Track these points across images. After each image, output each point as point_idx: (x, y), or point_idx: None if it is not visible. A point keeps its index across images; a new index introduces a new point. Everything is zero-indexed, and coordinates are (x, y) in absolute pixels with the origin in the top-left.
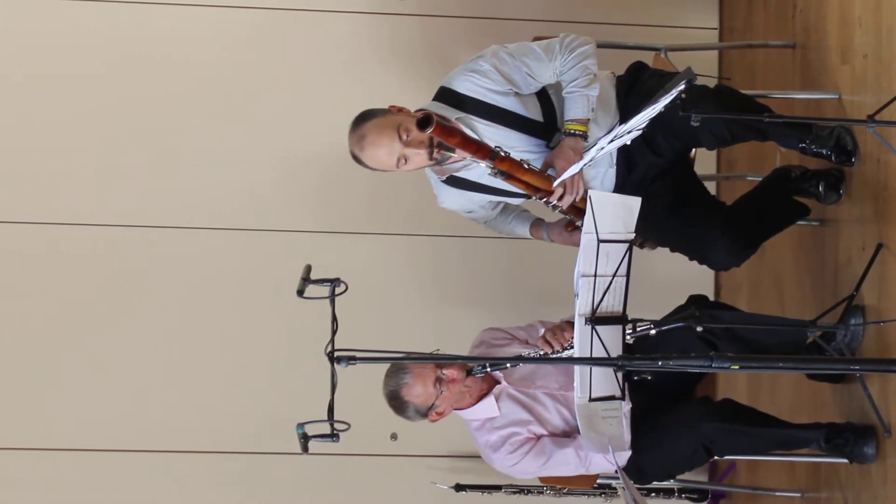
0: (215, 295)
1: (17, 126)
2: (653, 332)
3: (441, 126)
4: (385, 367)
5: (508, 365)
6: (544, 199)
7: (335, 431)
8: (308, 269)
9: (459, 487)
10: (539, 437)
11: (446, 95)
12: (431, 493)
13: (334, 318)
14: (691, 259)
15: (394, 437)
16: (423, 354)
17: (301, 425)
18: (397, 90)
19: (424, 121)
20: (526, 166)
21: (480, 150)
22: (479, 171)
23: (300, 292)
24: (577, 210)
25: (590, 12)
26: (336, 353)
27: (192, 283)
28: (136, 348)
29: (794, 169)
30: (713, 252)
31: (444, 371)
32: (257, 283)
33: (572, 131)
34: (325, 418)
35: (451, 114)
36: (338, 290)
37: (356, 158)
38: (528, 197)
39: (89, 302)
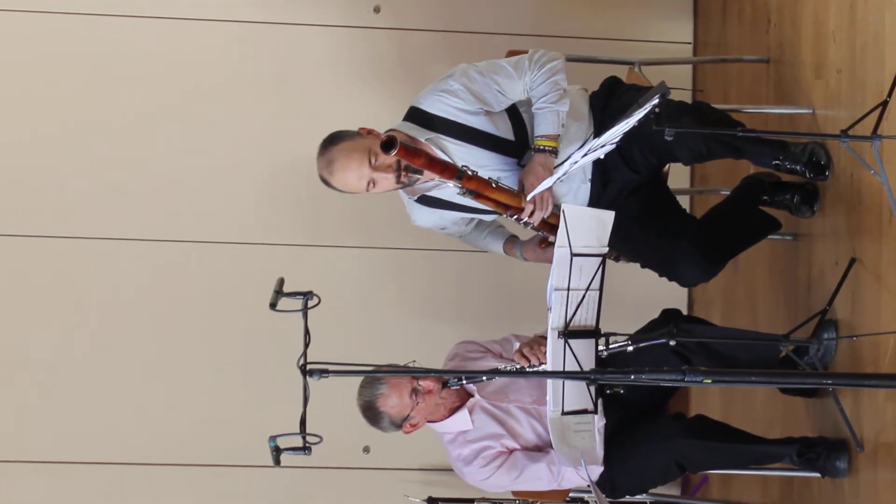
0: (188, 308)
1: (4, 141)
2: (630, 348)
3: (405, 148)
4: (357, 380)
5: (484, 378)
6: (515, 217)
7: (307, 444)
8: (281, 281)
9: (432, 500)
10: (511, 451)
11: (416, 115)
12: None
13: (307, 331)
14: (661, 275)
15: (366, 450)
16: (397, 367)
17: (273, 438)
18: (371, 103)
19: (388, 143)
20: (494, 185)
21: (447, 170)
22: (450, 189)
23: (273, 305)
24: (549, 226)
25: (564, 26)
26: (308, 367)
27: (165, 297)
28: (109, 361)
29: (766, 177)
30: (683, 268)
31: (421, 382)
32: (230, 296)
33: (542, 147)
34: (298, 431)
35: (422, 134)
36: (310, 303)
37: (325, 182)
38: (500, 213)
39: (59, 315)
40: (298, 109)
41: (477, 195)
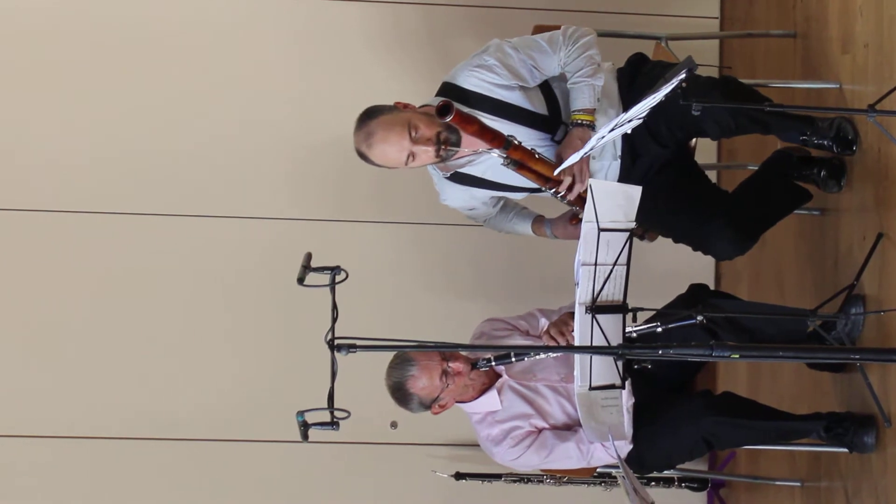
0: (216, 283)
1: (13, 115)
2: (659, 329)
3: (460, 113)
4: (386, 355)
5: (514, 358)
6: (553, 190)
7: (335, 419)
8: (308, 256)
9: (459, 476)
10: (540, 431)
11: (450, 91)
12: (431, 482)
13: (334, 306)
14: (695, 249)
15: (394, 425)
16: (424, 342)
17: (301, 413)
18: (397, 78)
19: (444, 108)
20: (537, 155)
21: (496, 138)
22: (482, 166)
23: (300, 280)
24: (584, 201)
25: (590, 1)
26: (336, 341)
27: (193, 272)
28: (137, 336)
29: (794, 152)
30: (717, 242)
31: (450, 364)
32: (258, 271)
33: (580, 121)
34: (326, 406)
35: None
36: (338, 278)
37: (362, 156)
38: (535, 191)
39: (88, 290)
40: (325, 85)
41: (520, 166)
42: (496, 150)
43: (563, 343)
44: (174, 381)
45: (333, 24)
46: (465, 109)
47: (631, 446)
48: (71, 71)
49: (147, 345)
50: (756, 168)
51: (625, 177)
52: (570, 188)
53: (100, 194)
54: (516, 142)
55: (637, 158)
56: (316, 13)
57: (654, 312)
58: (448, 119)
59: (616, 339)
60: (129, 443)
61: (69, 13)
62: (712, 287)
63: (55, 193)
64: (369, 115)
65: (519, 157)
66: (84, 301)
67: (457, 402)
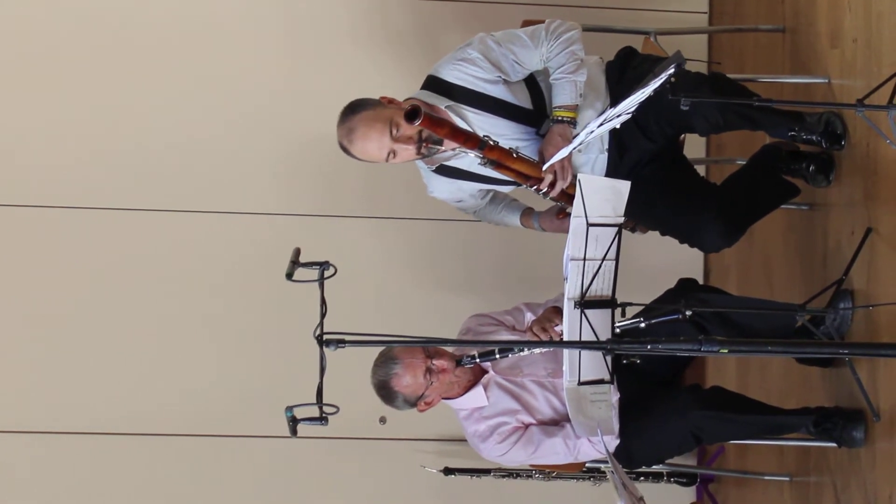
0: (205, 278)
1: (8, 110)
2: (643, 325)
3: (429, 118)
4: (375, 351)
5: (497, 355)
6: (534, 187)
7: (324, 415)
8: (297, 252)
9: (448, 471)
10: (527, 427)
11: (434, 84)
12: (420, 477)
13: (323, 301)
14: (682, 242)
15: (382, 420)
16: (413, 338)
17: (290, 408)
18: (385, 73)
19: (412, 113)
20: (515, 155)
21: (469, 140)
22: (469, 159)
23: (289, 275)
24: (568, 197)
25: None
26: (325, 337)
27: (182, 267)
28: (126, 331)
29: (783, 146)
30: (705, 235)
31: (435, 361)
32: (247, 266)
33: (560, 118)
34: (314, 401)
35: (441, 102)
36: (327, 273)
37: (344, 150)
38: (519, 184)
39: (75, 285)
40: (312, 80)
41: (498, 165)
42: (472, 151)
43: (544, 339)
44: (162, 377)
45: (322, 19)
46: (445, 104)
47: (618, 441)
48: (51, 67)
49: (135, 340)
50: (745, 162)
51: (612, 171)
52: (552, 185)
53: (88, 191)
54: (492, 142)
55: (625, 153)
56: (304, 9)
57: (643, 307)
58: (416, 123)
59: (605, 334)
60: (118, 438)
61: (61, 10)
62: (701, 281)
63: (43, 189)
64: (352, 110)
65: (496, 157)
66: (72, 296)
67: (443, 398)
